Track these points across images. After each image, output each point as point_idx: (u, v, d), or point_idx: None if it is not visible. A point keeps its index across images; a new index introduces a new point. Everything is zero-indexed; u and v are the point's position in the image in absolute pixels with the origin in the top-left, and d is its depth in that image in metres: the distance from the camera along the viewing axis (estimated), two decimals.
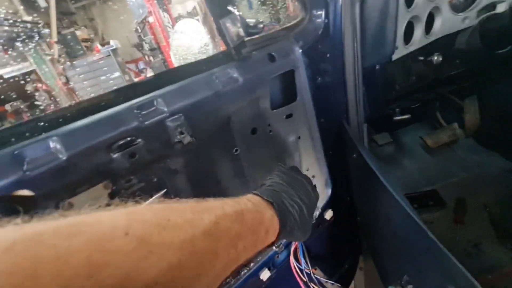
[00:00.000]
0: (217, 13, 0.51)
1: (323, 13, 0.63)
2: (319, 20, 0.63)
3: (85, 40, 5.67)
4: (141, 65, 7.41)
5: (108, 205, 0.27)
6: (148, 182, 0.48)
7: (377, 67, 0.76)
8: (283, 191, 0.42)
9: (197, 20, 6.43)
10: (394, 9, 0.64)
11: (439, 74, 0.82)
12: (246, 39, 0.56)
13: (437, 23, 0.75)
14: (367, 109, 0.84)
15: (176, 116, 0.46)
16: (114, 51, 4.90)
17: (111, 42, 4.88)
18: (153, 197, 0.44)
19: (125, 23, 7.38)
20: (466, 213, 0.99)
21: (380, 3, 0.67)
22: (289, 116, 0.65)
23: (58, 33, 4.78)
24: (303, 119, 0.67)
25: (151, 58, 4.52)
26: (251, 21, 0.54)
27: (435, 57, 0.79)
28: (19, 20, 4.32)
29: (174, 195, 0.52)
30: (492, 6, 0.78)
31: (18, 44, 4.31)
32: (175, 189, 0.52)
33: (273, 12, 7.43)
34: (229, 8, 0.51)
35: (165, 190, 0.47)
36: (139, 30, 4.15)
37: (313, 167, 0.74)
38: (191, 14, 6.80)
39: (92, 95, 5.00)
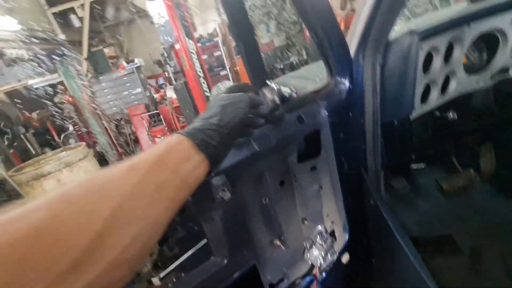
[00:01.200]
0: (258, 84, 0.59)
1: (347, 79, 0.70)
2: (343, 85, 0.71)
3: (112, 57, 6.03)
4: (161, 80, 7.74)
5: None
6: (190, 231, 0.55)
7: (396, 122, 0.82)
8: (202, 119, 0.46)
9: (217, 40, 6.71)
10: (413, 74, 0.71)
11: (454, 129, 0.87)
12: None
13: (453, 85, 0.81)
14: (384, 158, 0.89)
15: (219, 176, 0.53)
16: (138, 68, 5.18)
17: (136, 60, 5.17)
18: (195, 247, 0.51)
19: (149, 42, 7.81)
20: (481, 262, 1.00)
21: (399, 68, 0.74)
22: (313, 168, 0.71)
23: (88, 50, 5.11)
24: (325, 171, 0.73)
25: (172, 79, 4.79)
26: (286, 90, 0.62)
27: (451, 114, 0.84)
28: (55, 38, 4.68)
29: (211, 241, 0.58)
30: (505, 69, 0.83)
31: (52, 59, 4.65)
32: (212, 236, 0.58)
33: (289, 36, 7.69)
34: (267, 81, 0.60)
35: (205, 240, 0.53)
36: (165, 54, 4.40)
37: (332, 213, 0.79)
38: (212, 35, 7.12)
39: (114, 109, 5.26)
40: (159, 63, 7.61)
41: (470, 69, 0.82)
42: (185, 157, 0.39)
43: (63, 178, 2.55)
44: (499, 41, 0.79)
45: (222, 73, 7.10)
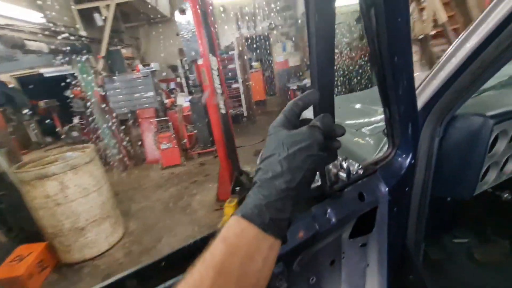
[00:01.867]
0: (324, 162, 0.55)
1: (411, 154, 0.66)
2: (405, 161, 0.66)
3: (128, 58, 6.07)
4: (172, 85, 7.78)
5: None
6: None
7: (449, 199, 0.77)
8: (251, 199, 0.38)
9: (233, 54, 6.77)
10: (480, 157, 0.67)
11: (507, 209, 0.82)
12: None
13: (509, 166, 0.77)
14: (429, 232, 0.84)
15: (277, 264, 0.48)
16: (153, 72, 5.19)
17: (152, 65, 5.20)
18: None
19: (166, 46, 7.90)
20: None
21: (462, 146, 0.70)
22: (363, 245, 0.66)
23: (106, 49, 5.14)
24: (375, 247, 0.67)
25: (184, 87, 4.82)
26: (354, 166, 0.56)
27: (505, 195, 0.80)
28: (77, 34, 4.72)
29: None
30: None
31: (70, 54, 4.67)
32: None
33: (304, 58, 7.78)
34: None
35: None
36: (187, 68, 4.41)
37: None
38: (228, 48, 7.20)
39: (124, 109, 5.24)
40: (172, 68, 7.68)
41: None
42: (253, 248, 0.35)
43: (67, 180, 2.47)
44: None
45: (234, 85, 7.15)
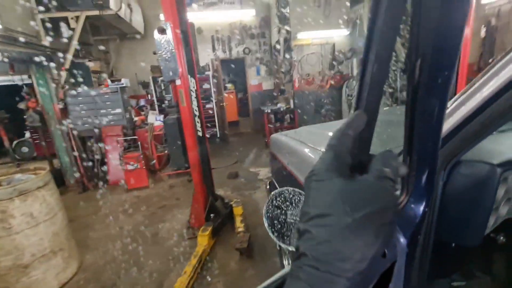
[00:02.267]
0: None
1: (425, 202, 0.63)
2: (420, 210, 0.63)
3: (95, 72, 5.72)
4: (142, 102, 7.46)
5: None
6: None
7: (453, 245, 0.75)
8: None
9: (208, 74, 6.76)
10: (488, 208, 0.66)
11: (502, 251, 0.83)
12: None
13: (504, 209, 0.79)
14: (431, 276, 0.81)
15: None
16: (123, 88, 4.93)
17: (123, 80, 4.94)
18: None
19: (137, 62, 7.65)
20: None
21: (467, 192, 0.69)
22: None
23: (71, 61, 4.80)
24: None
25: (156, 105, 4.61)
26: None
27: (501, 237, 0.81)
28: (37, 43, 4.35)
29: None
30: None
31: (29, 63, 4.26)
32: None
33: (278, 84, 8.04)
34: None
35: None
36: (163, 87, 4.26)
37: None
38: (204, 68, 7.18)
39: (87, 125, 4.83)
40: (143, 85, 7.41)
41: None
42: None
43: (12, 209, 2.11)
44: None
45: (208, 106, 7.07)
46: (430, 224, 0.73)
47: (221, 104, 7.58)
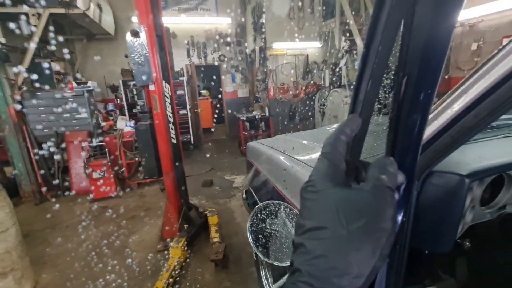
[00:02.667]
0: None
1: (402, 212, 0.65)
2: (398, 218, 0.65)
3: (58, 73, 5.33)
4: (110, 106, 7.09)
5: None
6: None
7: (426, 252, 0.79)
8: None
9: (182, 80, 6.63)
10: (457, 217, 0.70)
11: (467, 256, 0.89)
12: None
13: (470, 216, 0.85)
14: (405, 283, 0.84)
15: None
16: (90, 92, 4.64)
17: (89, 83, 4.66)
18: None
19: (106, 64, 7.28)
20: None
21: (439, 202, 0.73)
22: None
23: (31, 61, 4.43)
24: None
25: (126, 111, 4.39)
26: None
27: (466, 243, 0.86)
28: None
29: None
30: (504, 206, 0.91)
31: None
32: None
33: (253, 91, 8.12)
34: None
35: None
36: (135, 92, 4.07)
37: None
38: (178, 73, 7.04)
39: (47, 130, 4.45)
40: (112, 88, 7.06)
41: (483, 201, 0.88)
42: None
43: None
44: (505, 182, 0.87)
45: (182, 112, 6.91)
46: (406, 234, 0.76)
47: (196, 110, 7.45)
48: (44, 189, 4.35)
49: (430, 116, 0.68)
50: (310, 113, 7.10)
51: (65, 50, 5.99)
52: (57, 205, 4.20)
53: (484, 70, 0.56)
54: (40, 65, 4.74)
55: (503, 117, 1.40)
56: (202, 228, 3.14)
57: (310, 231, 0.28)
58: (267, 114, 6.61)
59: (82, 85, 4.63)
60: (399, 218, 0.67)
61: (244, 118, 6.38)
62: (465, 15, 4.16)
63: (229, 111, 8.46)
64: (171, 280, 2.33)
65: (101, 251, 2.95)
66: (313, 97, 6.95)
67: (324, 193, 0.30)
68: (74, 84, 4.59)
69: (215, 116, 9.67)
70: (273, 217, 0.59)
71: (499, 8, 3.72)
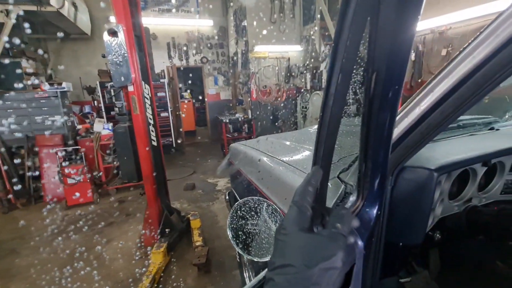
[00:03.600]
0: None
1: (377, 205, 0.68)
2: (372, 212, 0.68)
3: (29, 74, 5.05)
4: (87, 108, 6.81)
5: None
6: None
7: (400, 244, 0.82)
8: None
9: (163, 82, 6.52)
10: (427, 208, 0.74)
11: (437, 247, 0.94)
12: None
13: (439, 209, 0.90)
14: (382, 276, 0.87)
15: None
16: (64, 93, 4.43)
17: (64, 84, 4.45)
18: None
19: (81, 65, 7.01)
20: None
21: (410, 196, 0.77)
22: None
23: None
24: None
25: (104, 114, 4.22)
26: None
27: (437, 235, 0.91)
28: None
29: None
30: (469, 199, 0.97)
31: None
32: None
33: (236, 94, 8.13)
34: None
35: None
36: (112, 93, 3.93)
37: None
38: (158, 75, 6.90)
39: (16, 134, 4.19)
40: (89, 90, 6.80)
41: (451, 195, 0.93)
42: None
43: None
44: (470, 177, 0.93)
45: (163, 114, 6.78)
46: (381, 227, 0.79)
47: (177, 112, 7.32)
48: (11, 196, 4.07)
49: (400, 115, 0.72)
50: (292, 116, 7.21)
51: (39, 51, 5.71)
52: (29, 213, 3.95)
53: (447, 70, 0.60)
54: (9, 65, 4.47)
55: (468, 117, 1.50)
56: (184, 232, 3.07)
57: (279, 268, 0.34)
58: (250, 116, 6.63)
59: (56, 86, 4.41)
60: (374, 211, 0.70)
61: (227, 121, 6.36)
62: (435, 22, 4.42)
63: (212, 114, 8.40)
64: (151, 287, 2.25)
65: (77, 260, 2.81)
66: (295, 100, 7.06)
67: (292, 236, 0.36)
68: (46, 85, 4.36)
69: (198, 118, 9.56)
70: (252, 213, 0.60)
71: (464, 17, 3.99)
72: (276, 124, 7.13)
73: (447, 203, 0.91)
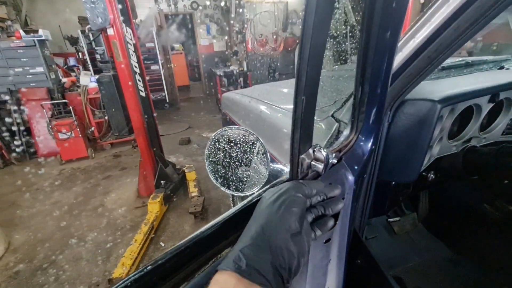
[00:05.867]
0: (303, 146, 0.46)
1: (372, 139, 0.62)
2: (367, 147, 0.62)
3: (1, 20, 4.59)
4: (72, 61, 6.42)
5: None
6: None
7: (393, 183, 0.79)
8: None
9: (151, 30, 6.04)
10: (426, 143, 0.69)
11: (431, 187, 0.92)
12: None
13: (437, 148, 0.85)
14: (371, 214, 0.86)
15: None
16: (42, 42, 4.08)
17: (40, 32, 4.07)
18: None
19: (59, 12, 6.39)
20: None
21: (409, 131, 0.71)
22: (327, 241, 0.60)
23: None
24: (337, 242, 0.62)
25: (89, 64, 3.91)
26: (331, 156, 0.51)
27: (431, 175, 0.88)
28: None
29: None
30: (469, 139, 0.92)
31: None
32: None
33: (231, 44, 7.62)
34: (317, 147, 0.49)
35: None
36: (91, 38, 3.59)
37: (332, 284, 0.69)
38: (145, 23, 6.35)
39: None
40: (71, 40, 6.30)
41: (450, 135, 0.87)
42: None
43: None
44: (473, 114, 0.87)
45: (153, 67, 6.43)
46: (374, 165, 0.75)
47: (169, 65, 6.95)
48: (3, 151, 4.04)
49: (403, 39, 0.62)
50: (290, 68, 6.89)
51: None
52: (25, 167, 3.97)
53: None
54: None
55: (477, 58, 1.38)
56: (180, 184, 3.13)
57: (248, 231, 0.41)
58: (245, 69, 6.32)
59: (31, 34, 4.04)
60: (369, 145, 0.64)
61: (222, 74, 6.07)
62: None
63: (206, 67, 7.99)
64: (150, 233, 2.35)
65: (76, 210, 2.89)
66: (293, 51, 6.67)
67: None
68: (21, 32, 3.98)
69: (191, 72, 9.14)
70: (232, 144, 0.54)
71: None
72: (274, 77, 6.85)
73: (445, 142, 0.86)
